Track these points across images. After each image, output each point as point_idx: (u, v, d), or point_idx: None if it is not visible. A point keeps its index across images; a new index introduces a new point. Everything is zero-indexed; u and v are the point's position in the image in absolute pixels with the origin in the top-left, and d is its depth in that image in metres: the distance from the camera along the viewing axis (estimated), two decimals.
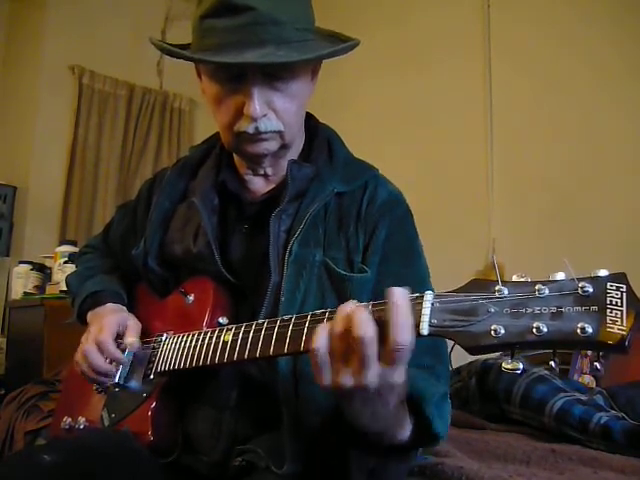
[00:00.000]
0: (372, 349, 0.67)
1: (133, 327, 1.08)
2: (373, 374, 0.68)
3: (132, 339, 1.05)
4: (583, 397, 1.61)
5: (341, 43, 0.99)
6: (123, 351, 1.04)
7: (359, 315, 0.69)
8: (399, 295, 0.68)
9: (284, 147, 1.02)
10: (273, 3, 0.90)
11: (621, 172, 2.43)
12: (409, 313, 0.67)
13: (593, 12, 2.58)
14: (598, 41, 2.53)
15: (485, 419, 1.77)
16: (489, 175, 2.87)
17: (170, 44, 1.02)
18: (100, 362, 1.02)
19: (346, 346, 0.69)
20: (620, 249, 2.34)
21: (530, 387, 1.66)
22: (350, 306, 0.71)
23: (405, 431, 0.79)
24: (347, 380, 0.69)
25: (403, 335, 0.66)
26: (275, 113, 0.96)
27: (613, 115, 2.47)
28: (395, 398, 0.73)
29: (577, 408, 1.55)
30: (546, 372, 1.69)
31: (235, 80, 0.94)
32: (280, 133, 0.98)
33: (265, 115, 0.94)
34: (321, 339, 0.71)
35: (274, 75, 0.93)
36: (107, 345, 1.03)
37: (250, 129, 0.95)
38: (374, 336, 0.67)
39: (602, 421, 1.49)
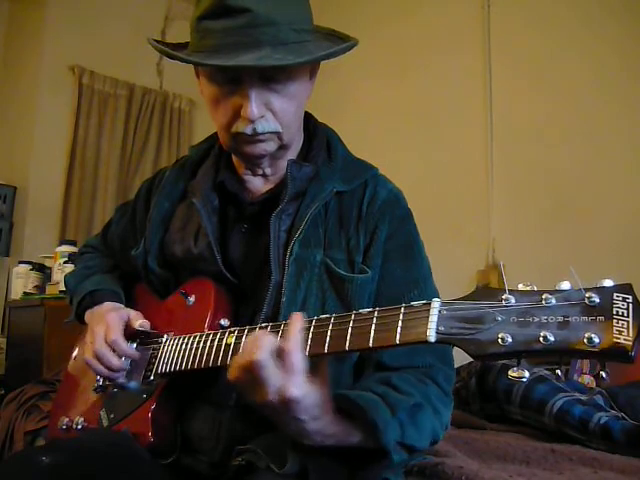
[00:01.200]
0: (264, 372, 0.75)
1: (136, 315, 1.09)
2: (272, 391, 0.75)
3: (141, 321, 1.06)
4: (583, 397, 1.61)
5: (340, 42, 0.98)
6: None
7: (253, 341, 0.77)
8: (295, 315, 0.79)
9: (282, 148, 1.01)
10: (270, 4, 0.89)
11: (621, 172, 2.42)
12: (298, 329, 0.77)
13: (593, 12, 2.57)
14: (598, 41, 2.53)
15: (485, 419, 1.77)
16: (489, 175, 2.86)
17: (169, 43, 1.02)
18: (115, 361, 1.03)
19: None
20: (620, 249, 2.34)
21: (530, 387, 1.66)
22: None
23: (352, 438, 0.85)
24: (256, 397, 0.77)
25: (288, 344, 0.75)
26: (273, 114, 0.95)
27: (613, 115, 2.47)
28: (305, 415, 0.77)
29: (577, 408, 1.55)
30: (546, 372, 1.69)
31: (232, 82, 0.93)
32: (278, 134, 0.97)
33: (263, 116, 0.94)
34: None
35: (271, 77, 0.93)
36: (120, 344, 1.03)
37: (248, 130, 0.94)
38: (260, 359, 0.74)
39: (602, 421, 1.49)
